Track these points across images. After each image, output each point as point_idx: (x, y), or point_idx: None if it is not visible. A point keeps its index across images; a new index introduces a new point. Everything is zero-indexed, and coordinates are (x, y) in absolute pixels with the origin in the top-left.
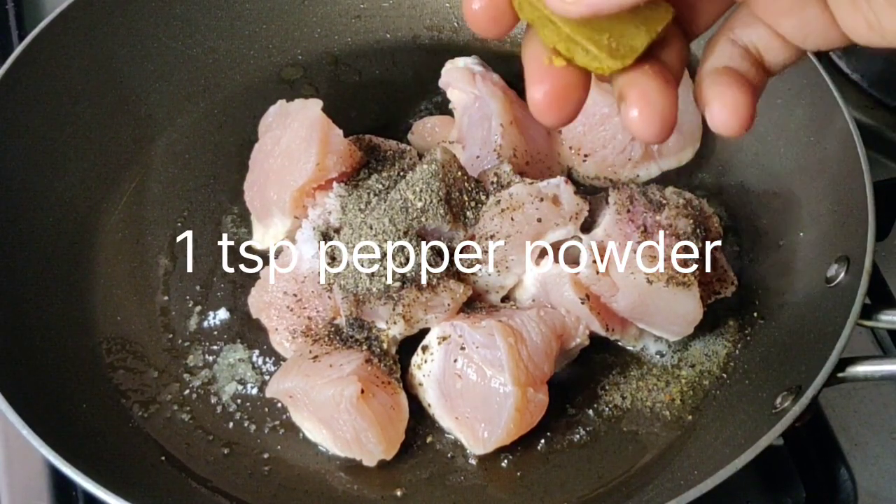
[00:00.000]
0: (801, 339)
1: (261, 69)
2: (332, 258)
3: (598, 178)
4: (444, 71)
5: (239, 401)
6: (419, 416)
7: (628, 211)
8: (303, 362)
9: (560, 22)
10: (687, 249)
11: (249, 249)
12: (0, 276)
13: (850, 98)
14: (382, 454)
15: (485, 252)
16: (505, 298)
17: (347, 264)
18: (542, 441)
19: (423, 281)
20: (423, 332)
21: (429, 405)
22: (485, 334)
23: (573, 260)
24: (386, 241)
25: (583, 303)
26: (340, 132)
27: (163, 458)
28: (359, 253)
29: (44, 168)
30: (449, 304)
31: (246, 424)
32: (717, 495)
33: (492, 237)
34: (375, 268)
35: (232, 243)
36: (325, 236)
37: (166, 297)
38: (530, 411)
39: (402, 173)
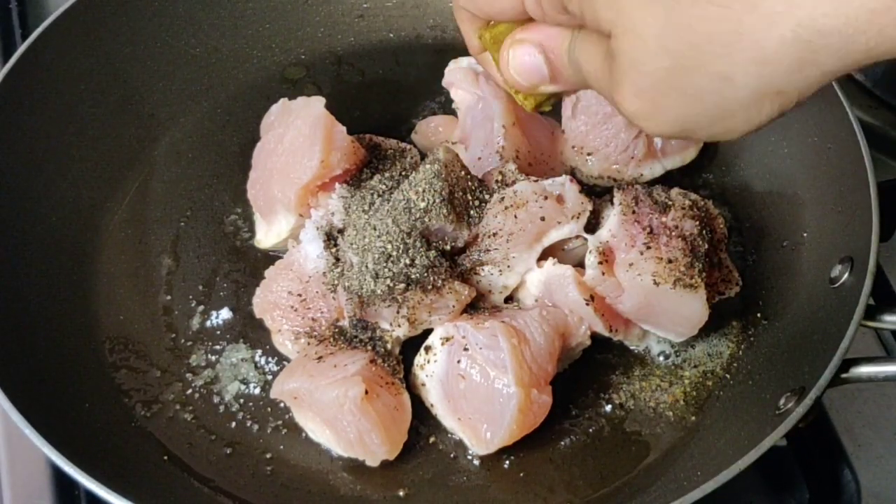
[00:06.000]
0: (805, 340)
1: (264, 69)
2: (336, 259)
3: (601, 178)
4: (447, 71)
5: (241, 400)
6: (422, 417)
7: (633, 212)
8: (307, 363)
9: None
10: (693, 251)
11: (253, 248)
12: (3, 275)
13: (855, 98)
14: (386, 454)
15: (486, 250)
16: (508, 299)
17: (352, 265)
18: (545, 441)
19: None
20: (426, 332)
21: (432, 405)
22: (488, 335)
23: (578, 261)
24: (390, 241)
25: (587, 304)
26: (344, 129)
27: (165, 457)
28: (363, 254)
29: (47, 167)
30: (454, 306)
31: (248, 424)
32: (720, 496)
33: (494, 235)
34: (380, 269)
35: (235, 242)
36: (329, 237)
37: (169, 297)
38: (533, 412)
39: (404, 173)
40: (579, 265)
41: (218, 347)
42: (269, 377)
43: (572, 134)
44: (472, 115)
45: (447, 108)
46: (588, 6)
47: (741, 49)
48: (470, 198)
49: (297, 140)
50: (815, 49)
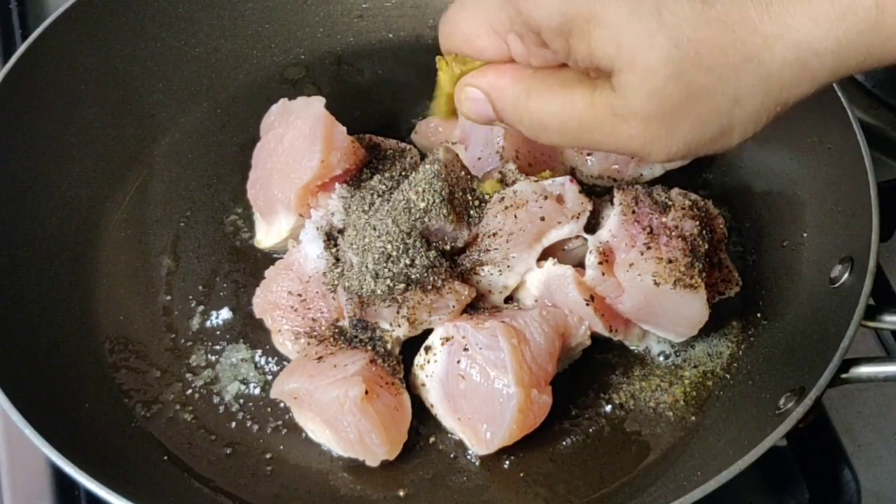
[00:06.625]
0: (805, 340)
1: (263, 69)
2: (336, 259)
3: (601, 178)
4: None
5: (241, 401)
6: (422, 417)
7: (633, 212)
8: (307, 363)
9: None
10: (693, 251)
11: (253, 248)
12: (3, 275)
13: (855, 98)
14: (386, 455)
15: (486, 250)
16: (508, 299)
17: (351, 265)
18: (545, 441)
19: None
20: (426, 332)
21: (432, 406)
22: (488, 335)
23: (578, 261)
24: (390, 242)
25: (587, 304)
26: (344, 129)
27: (165, 457)
28: (363, 254)
29: (47, 167)
30: (454, 306)
31: (248, 424)
32: (720, 496)
33: (494, 235)
34: (380, 269)
35: (235, 243)
36: (329, 237)
37: (169, 297)
38: (533, 412)
39: (404, 173)
40: (579, 265)
41: (218, 347)
42: (269, 377)
43: None
44: None
45: None
46: (580, 44)
47: (748, 70)
48: (470, 198)
49: (297, 140)
50: (812, 67)
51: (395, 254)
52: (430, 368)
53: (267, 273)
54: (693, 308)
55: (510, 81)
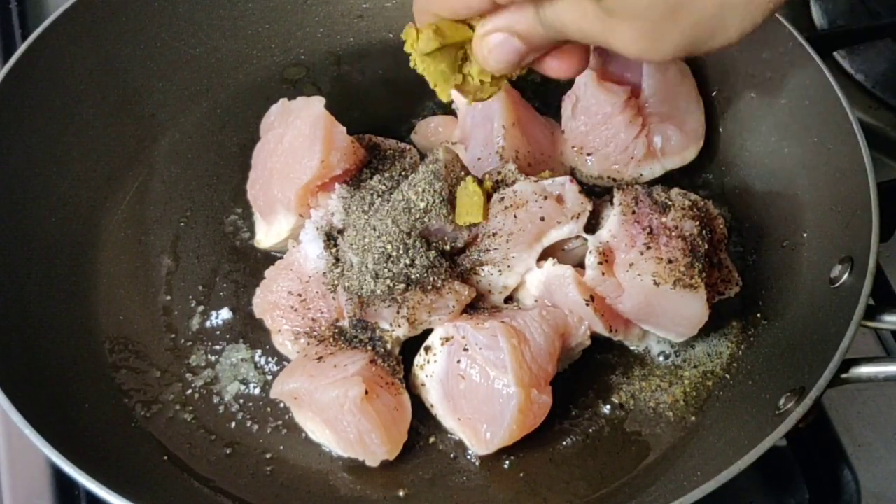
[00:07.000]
0: (805, 340)
1: (264, 69)
2: (336, 259)
3: (601, 178)
4: None
5: (241, 401)
6: (422, 417)
7: (633, 212)
8: (307, 363)
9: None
10: (693, 251)
11: (253, 248)
12: (3, 275)
13: (855, 99)
14: (385, 455)
15: (486, 250)
16: (508, 299)
17: (351, 265)
18: (545, 441)
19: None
20: (426, 332)
21: (432, 406)
22: (488, 335)
23: (578, 261)
24: (390, 242)
25: (587, 304)
26: (343, 129)
27: (165, 457)
28: (363, 254)
29: (47, 167)
30: (453, 307)
31: (248, 424)
32: (720, 496)
33: (494, 234)
34: (380, 269)
35: (235, 243)
36: (329, 237)
37: (169, 297)
38: (533, 412)
39: (404, 173)
40: (579, 265)
41: (218, 347)
42: (269, 377)
43: (572, 134)
44: (472, 115)
45: (447, 108)
46: None
47: None
48: None
49: (297, 140)
50: None
51: (395, 254)
52: (430, 368)
53: (267, 273)
54: (693, 308)
55: (517, 7)
